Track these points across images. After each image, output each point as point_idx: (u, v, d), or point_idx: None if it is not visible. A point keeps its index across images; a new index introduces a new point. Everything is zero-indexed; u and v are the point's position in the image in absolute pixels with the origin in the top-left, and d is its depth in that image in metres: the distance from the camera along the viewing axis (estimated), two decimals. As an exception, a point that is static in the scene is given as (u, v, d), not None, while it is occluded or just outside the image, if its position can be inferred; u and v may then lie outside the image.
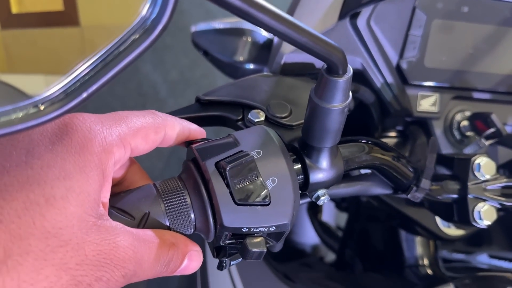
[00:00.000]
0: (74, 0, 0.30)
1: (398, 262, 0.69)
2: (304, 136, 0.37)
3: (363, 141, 0.43)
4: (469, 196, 0.48)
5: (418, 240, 0.68)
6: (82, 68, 0.22)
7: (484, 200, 0.48)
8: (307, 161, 0.38)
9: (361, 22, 0.51)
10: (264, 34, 0.68)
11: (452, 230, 0.61)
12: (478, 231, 0.82)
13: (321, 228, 0.90)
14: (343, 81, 0.32)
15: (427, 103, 0.58)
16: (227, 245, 0.36)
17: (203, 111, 0.43)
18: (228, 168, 0.32)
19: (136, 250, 0.28)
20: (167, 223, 0.33)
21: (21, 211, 0.24)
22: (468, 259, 0.80)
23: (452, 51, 0.56)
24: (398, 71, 0.56)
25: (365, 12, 0.51)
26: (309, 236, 0.95)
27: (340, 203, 0.87)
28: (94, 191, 0.27)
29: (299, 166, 0.38)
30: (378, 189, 0.46)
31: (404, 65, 0.55)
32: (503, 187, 0.49)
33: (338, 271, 0.76)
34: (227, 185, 0.33)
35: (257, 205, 0.33)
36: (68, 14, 0.30)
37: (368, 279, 0.70)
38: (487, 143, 0.57)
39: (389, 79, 0.55)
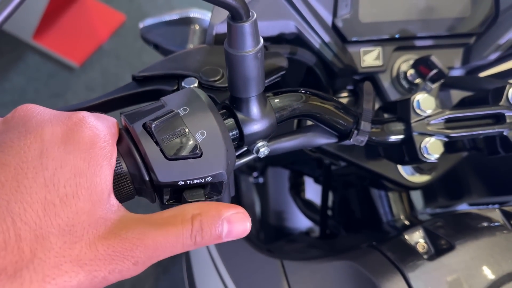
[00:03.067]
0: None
1: (375, 220, 0.70)
2: (230, 91, 0.39)
3: (302, 91, 0.44)
4: (414, 133, 0.49)
5: (390, 195, 0.69)
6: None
7: (430, 135, 0.49)
8: (238, 114, 0.39)
9: None
10: (211, 20, 0.70)
11: (416, 177, 0.62)
12: (456, 183, 0.84)
13: (304, 205, 0.91)
14: (248, 25, 0.33)
15: (370, 58, 0.60)
16: (172, 204, 0.37)
17: (139, 87, 0.45)
18: (153, 126, 0.34)
19: (145, 237, 0.29)
20: None
21: (41, 212, 0.27)
22: (449, 211, 0.81)
23: (385, 2, 0.58)
24: (335, 30, 0.57)
25: (289, -25, 0.53)
26: (293, 215, 0.96)
27: (318, 177, 0.88)
28: (101, 182, 0.30)
29: (231, 121, 0.40)
30: (322, 139, 0.48)
31: (339, 24, 0.57)
32: (447, 121, 0.50)
33: (321, 240, 0.77)
34: (156, 143, 0.34)
35: (188, 158, 0.34)
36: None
37: (348, 240, 0.71)
38: (434, 86, 0.59)
39: (327, 38, 0.57)
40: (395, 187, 0.64)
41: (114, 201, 0.31)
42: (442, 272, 0.48)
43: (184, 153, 0.34)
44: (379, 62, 0.60)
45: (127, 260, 0.29)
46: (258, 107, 0.39)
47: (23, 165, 0.27)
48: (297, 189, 0.94)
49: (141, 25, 0.69)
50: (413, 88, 0.61)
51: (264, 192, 1.15)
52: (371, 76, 0.61)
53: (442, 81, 0.58)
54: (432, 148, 0.48)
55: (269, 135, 0.41)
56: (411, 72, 0.60)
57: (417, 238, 0.54)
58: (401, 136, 0.50)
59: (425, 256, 0.51)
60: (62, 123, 0.30)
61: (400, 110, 0.51)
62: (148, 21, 0.69)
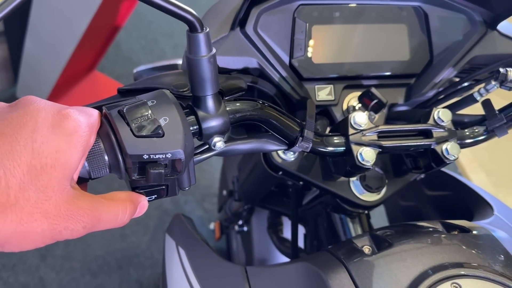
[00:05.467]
0: None
1: (337, 242, 0.76)
2: (191, 91, 0.49)
3: (259, 101, 0.54)
4: (352, 144, 0.58)
5: (349, 219, 0.76)
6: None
7: (365, 145, 0.58)
8: (198, 111, 0.49)
9: (249, 30, 0.65)
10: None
11: (366, 196, 0.70)
12: (419, 219, 0.90)
13: (280, 242, 0.97)
14: (202, 35, 0.44)
15: (324, 93, 0.70)
16: (137, 180, 0.45)
17: (122, 98, 0.55)
18: (125, 109, 0.43)
19: (93, 210, 0.39)
20: (87, 167, 0.44)
21: (26, 172, 0.35)
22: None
23: (334, 48, 0.70)
24: (292, 68, 0.69)
25: (250, 22, 0.65)
26: (270, 253, 1.01)
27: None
28: (75, 162, 0.39)
29: (193, 118, 0.49)
30: (274, 146, 0.57)
31: (295, 64, 0.68)
32: (380, 134, 0.59)
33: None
34: (128, 124, 0.44)
35: (153, 137, 0.44)
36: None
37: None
38: (377, 115, 0.69)
39: (285, 74, 0.68)
40: (349, 207, 0.72)
41: (75, 180, 0.41)
42: (380, 263, 0.55)
43: (149, 132, 0.43)
44: (331, 97, 0.70)
45: (79, 223, 0.38)
46: (213, 105, 0.49)
47: (17, 135, 0.36)
48: (274, 228, 1.01)
49: (134, 71, 0.82)
50: (362, 119, 0.70)
51: (248, 242, 1.20)
52: (326, 109, 0.71)
53: (383, 110, 0.69)
54: (366, 155, 0.57)
55: (224, 131, 0.51)
56: (359, 105, 0.71)
57: (364, 243, 0.60)
58: (343, 148, 0.59)
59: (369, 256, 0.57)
60: (53, 113, 0.39)
61: (342, 127, 0.60)
62: (141, 67, 0.82)
